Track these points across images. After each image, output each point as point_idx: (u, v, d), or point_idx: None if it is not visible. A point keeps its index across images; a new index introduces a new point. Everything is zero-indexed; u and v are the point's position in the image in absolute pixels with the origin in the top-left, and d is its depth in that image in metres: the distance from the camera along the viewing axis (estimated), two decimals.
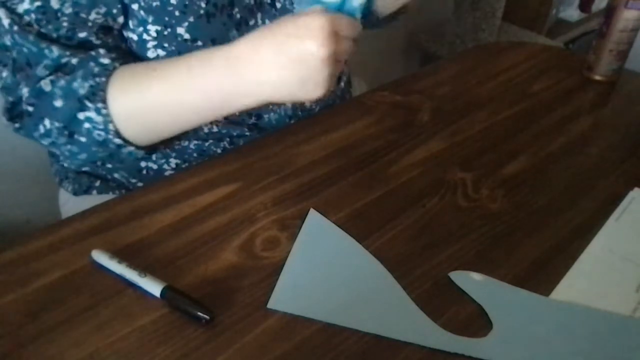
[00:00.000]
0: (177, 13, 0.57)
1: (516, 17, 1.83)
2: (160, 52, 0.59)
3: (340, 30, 0.49)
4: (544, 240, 0.54)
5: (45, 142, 0.56)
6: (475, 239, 0.54)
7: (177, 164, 0.68)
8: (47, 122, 0.54)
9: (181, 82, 0.52)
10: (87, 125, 0.53)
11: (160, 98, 0.53)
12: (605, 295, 0.49)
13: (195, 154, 0.68)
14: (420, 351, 0.44)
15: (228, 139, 0.68)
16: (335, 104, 0.78)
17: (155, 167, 0.68)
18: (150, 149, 0.59)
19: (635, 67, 0.84)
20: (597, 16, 1.98)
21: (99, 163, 0.58)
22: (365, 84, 0.99)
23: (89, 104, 0.52)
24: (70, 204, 0.74)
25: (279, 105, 0.70)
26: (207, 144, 0.67)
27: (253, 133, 0.69)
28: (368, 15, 0.70)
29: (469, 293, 0.48)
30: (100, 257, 0.49)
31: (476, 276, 0.50)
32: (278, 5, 0.64)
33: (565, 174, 0.63)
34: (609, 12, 0.76)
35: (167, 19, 0.57)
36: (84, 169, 0.61)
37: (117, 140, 0.54)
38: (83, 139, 0.54)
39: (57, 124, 0.54)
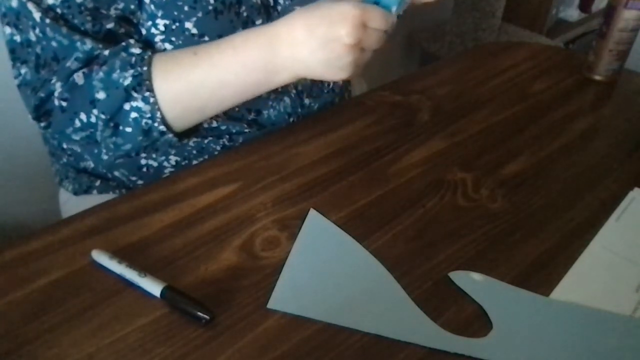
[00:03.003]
0: (186, 8, 0.58)
1: (516, 17, 1.83)
2: (168, 46, 0.60)
3: (372, 22, 0.52)
4: (544, 240, 0.54)
5: (78, 136, 0.56)
6: (475, 239, 0.54)
7: (177, 161, 0.68)
8: (83, 116, 0.55)
9: (225, 62, 0.55)
10: (134, 115, 0.55)
11: (204, 79, 0.55)
12: (605, 295, 0.49)
13: (194, 151, 0.68)
14: (420, 351, 0.44)
15: (227, 136, 0.68)
16: (335, 103, 0.78)
17: (155, 164, 0.68)
18: (182, 135, 0.60)
19: (635, 67, 0.84)
20: (597, 16, 1.97)
21: (133, 155, 0.60)
22: (365, 84, 0.99)
23: (135, 95, 0.54)
24: (70, 203, 0.74)
25: (278, 101, 0.70)
26: (206, 141, 0.67)
27: (252, 130, 0.69)
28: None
29: (469, 293, 0.48)
30: (100, 257, 0.49)
31: (476, 276, 0.50)
32: (279, 8, 0.64)
33: (565, 174, 0.63)
34: (609, 12, 0.76)
35: (176, 13, 0.58)
36: (118, 161, 0.63)
37: (162, 127, 0.56)
38: (129, 130, 0.55)
39: (102, 116, 0.54)
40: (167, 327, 0.44)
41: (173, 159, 0.68)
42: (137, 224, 0.53)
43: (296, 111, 0.72)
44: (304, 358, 0.43)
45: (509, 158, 0.65)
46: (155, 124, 0.55)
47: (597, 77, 0.80)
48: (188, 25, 0.59)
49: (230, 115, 0.67)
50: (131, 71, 0.54)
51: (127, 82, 0.54)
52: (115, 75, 0.54)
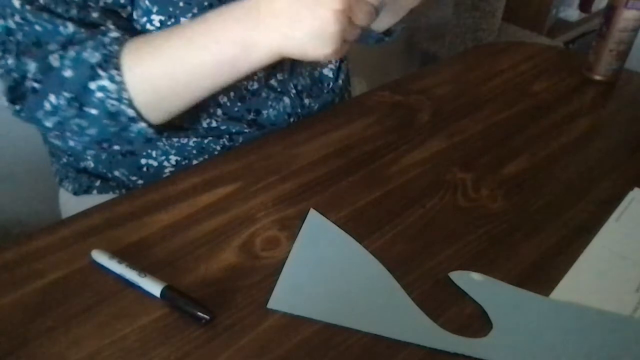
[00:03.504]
0: (181, 4, 0.57)
1: (516, 17, 1.83)
2: None
3: (359, 5, 0.49)
4: (544, 240, 0.54)
5: (49, 122, 0.54)
6: (475, 239, 0.54)
7: (177, 161, 0.68)
8: (52, 97, 0.52)
9: (198, 38, 0.52)
10: (99, 94, 0.51)
11: (176, 58, 0.52)
12: (605, 295, 0.49)
13: (194, 151, 0.68)
14: (420, 351, 0.44)
15: (227, 136, 0.68)
16: (335, 103, 0.78)
17: (155, 164, 0.68)
18: (159, 130, 0.57)
19: (635, 67, 0.84)
20: (597, 16, 1.97)
21: (105, 145, 0.56)
22: (365, 84, 0.99)
23: (101, 72, 0.51)
24: (71, 203, 0.74)
25: (277, 101, 0.70)
26: (206, 141, 0.67)
27: (252, 130, 0.69)
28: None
29: (469, 293, 0.48)
30: (100, 257, 0.49)
31: (476, 276, 0.50)
32: None
33: (565, 174, 0.63)
34: (609, 12, 0.76)
35: (171, 9, 0.57)
36: (90, 152, 0.59)
37: (131, 111, 0.53)
38: (94, 111, 0.52)
39: (66, 95, 0.52)
40: (167, 327, 0.44)
41: (173, 158, 0.68)
42: (137, 224, 0.53)
43: (296, 111, 0.72)
44: (304, 358, 0.43)
45: (509, 158, 0.65)
46: (123, 107, 0.52)
47: (597, 77, 0.80)
48: (183, 21, 0.58)
49: (229, 115, 0.67)
50: (102, 50, 0.51)
51: (95, 60, 0.51)
52: (85, 54, 0.51)
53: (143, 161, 0.68)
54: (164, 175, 0.69)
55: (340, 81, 0.79)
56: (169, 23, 0.58)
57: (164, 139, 0.66)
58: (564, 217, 0.57)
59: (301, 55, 0.51)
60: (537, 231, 0.55)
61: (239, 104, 0.67)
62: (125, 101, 0.52)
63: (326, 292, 0.48)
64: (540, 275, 0.51)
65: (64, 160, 0.72)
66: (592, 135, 0.70)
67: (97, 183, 0.72)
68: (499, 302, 0.48)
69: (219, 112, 0.66)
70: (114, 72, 0.51)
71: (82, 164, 0.71)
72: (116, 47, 0.52)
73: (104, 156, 0.69)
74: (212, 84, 0.55)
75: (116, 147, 0.59)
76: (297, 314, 0.46)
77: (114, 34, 0.53)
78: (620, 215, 0.58)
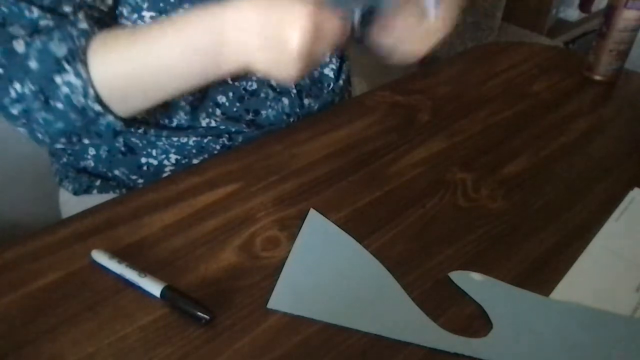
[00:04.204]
0: (172, 0, 0.57)
1: (516, 17, 1.83)
2: None
3: (326, 26, 0.49)
4: (544, 240, 0.54)
5: (16, 110, 0.53)
6: (475, 239, 0.54)
7: (177, 160, 0.68)
8: (17, 85, 0.51)
9: (167, 42, 0.52)
10: (65, 89, 0.51)
11: (144, 59, 0.52)
12: (605, 295, 0.49)
13: (194, 150, 0.68)
14: (420, 351, 0.44)
15: (227, 135, 0.68)
16: (335, 103, 0.78)
17: (155, 163, 0.68)
18: (129, 122, 0.57)
19: (635, 67, 0.84)
20: (597, 16, 1.97)
21: (74, 139, 0.56)
22: (365, 84, 0.99)
23: (67, 66, 0.50)
24: (70, 203, 0.74)
25: (277, 102, 0.70)
26: (205, 140, 0.67)
27: (251, 130, 0.69)
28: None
29: (469, 293, 0.48)
30: (100, 257, 0.49)
31: (476, 276, 0.50)
32: None
33: (565, 174, 0.63)
34: (609, 12, 0.76)
35: (162, 5, 0.57)
36: (58, 146, 0.58)
37: (97, 107, 0.52)
38: (60, 105, 0.52)
39: (31, 87, 0.51)
40: (167, 327, 0.44)
41: (173, 157, 0.68)
42: (137, 224, 0.53)
43: (295, 111, 0.72)
44: (304, 358, 0.43)
45: (509, 158, 0.65)
46: (89, 102, 0.51)
47: (597, 77, 0.80)
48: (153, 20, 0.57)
49: (228, 115, 0.67)
50: (69, 43, 0.50)
51: (61, 53, 0.50)
52: (52, 46, 0.50)
53: (143, 160, 0.68)
54: (164, 175, 0.69)
55: (340, 81, 0.79)
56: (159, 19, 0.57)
57: (163, 138, 0.66)
58: (564, 217, 0.57)
59: (266, 75, 0.52)
60: (537, 231, 0.55)
61: (237, 104, 0.67)
62: (91, 97, 0.51)
63: (326, 292, 0.48)
64: (540, 275, 0.51)
65: (64, 159, 0.72)
66: (592, 135, 0.70)
67: (97, 183, 0.72)
68: (499, 302, 0.48)
69: (218, 112, 0.66)
70: (80, 67, 0.50)
71: (82, 164, 0.71)
72: (83, 41, 0.51)
73: (104, 155, 0.69)
74: (181, 87, 0.55)
75: (86, 141, 0.57)
76: (297, 314, 0.46)
77: (83, 25, 0.52)
78: (620, 215, 0.58)
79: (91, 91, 0.51)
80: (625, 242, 0.55)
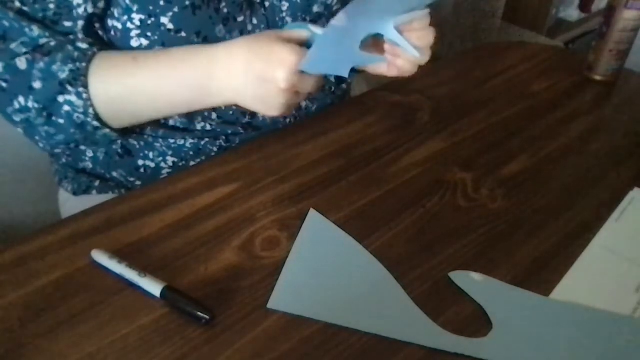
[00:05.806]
0: (162, 3, 0.57)
1: (516, 17, 1.83)
2: (144, 42, 0.59)
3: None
4: (544, 240, 0.54)
5: (18, 118, 0.57)
6: (475, 239, 0.54)
7: (174, 162, 0.68)
8: (21, 99, 0.55)
9: (161, 76, 0.57)
10: (67, 108, 0.55)
11: (140, 86, 0.57)
12: (605, 295, 0.49)
13: (191, 152, 0.68)
14: (420, 351, 0.44)
15: (224, 137, 0.68)
16: (335, 104, 0.78)
17: (152, 165, 0.68)
18: (125, 132, 0.62)
19: (635, 67, 0.84)
20: (597, 16, 1.98)
21: (72, 146, 0.61)
22: (365, 84, 0.99)
23: (70, 88, 0.54)
24: (70, 204, 0.74)
25: None
26: (203, 142, 0.67)
27: (248, 132, 0.69)
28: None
29: (469, 293, 0.48)
30: (100, 257, 0.49)
31: (476, 276, 0.50)
32: (267, 4, 0.64)
33: (565, 174, 0.63)
34: (609, 12, 0.76)
35: (151, 8, 0.57)
36: (56, 151, 0.65)
37: (96, 123, 0.57)
38: (61, 121, 0.56)
39: (36, 105, 0.55)
40: (167, 327, 0.44)
41: (170, 159, 0.68)
42: (137, 224, 0.53)
43: (292, 113, 0.72)
44: (304, 358, 0.43)
45: (509, 158, 0.65)
46: (89, 119, 0.56)
47: (597, 77, 0.80)
48: (164, 20, 0.58)
49: (224, 119, 0.67)
50: (70, 65, 0.54)
51: (64, 75, 0.54)
52: (54, 67, 0.54)
53: (140, 162, 0.68)
54: (162, 177, 0.69)
55: (344, 85, 0.79)
56: (149, 22, 0.58)
57: (160, 140, 0.66)
58: (564, 217, 0.57)
59: (252, 109, 0.58)
60: (537, 231, 0.55)
61: (233, 107, 0.67)
62: (91, 115, 0.56)
63: (326, 292, 0.48)
64: (540, 275, 0.51)
65: (64, 160, 0.72)
66: (592, 135, 0.70)
67: (97, 183, 0.72)
68: (499, 302, 0.48)
69: (214, 115, 0.66)
70: (81, 89, 0.55)
71: (81, 165, 0.71)
72: (84, 64, 0.55)
73: (101, 157, 0.69)
74: (169, 113, 0.63)
75: (82, 148, 0.65)
76: (297, 314, 0.46)
77: (82, 44, 0.56)
78: (620, 215, 0.58)
79: (91, 110, 0.56)
80: (625, 242, 0.55)
